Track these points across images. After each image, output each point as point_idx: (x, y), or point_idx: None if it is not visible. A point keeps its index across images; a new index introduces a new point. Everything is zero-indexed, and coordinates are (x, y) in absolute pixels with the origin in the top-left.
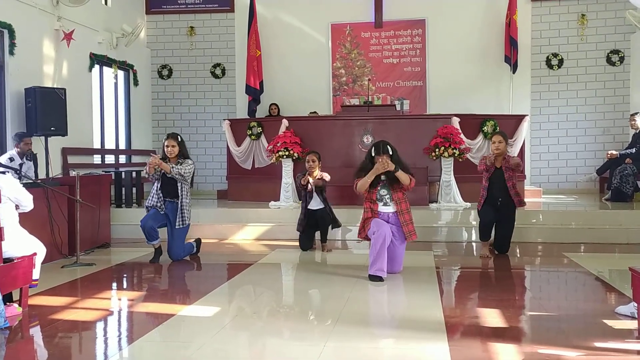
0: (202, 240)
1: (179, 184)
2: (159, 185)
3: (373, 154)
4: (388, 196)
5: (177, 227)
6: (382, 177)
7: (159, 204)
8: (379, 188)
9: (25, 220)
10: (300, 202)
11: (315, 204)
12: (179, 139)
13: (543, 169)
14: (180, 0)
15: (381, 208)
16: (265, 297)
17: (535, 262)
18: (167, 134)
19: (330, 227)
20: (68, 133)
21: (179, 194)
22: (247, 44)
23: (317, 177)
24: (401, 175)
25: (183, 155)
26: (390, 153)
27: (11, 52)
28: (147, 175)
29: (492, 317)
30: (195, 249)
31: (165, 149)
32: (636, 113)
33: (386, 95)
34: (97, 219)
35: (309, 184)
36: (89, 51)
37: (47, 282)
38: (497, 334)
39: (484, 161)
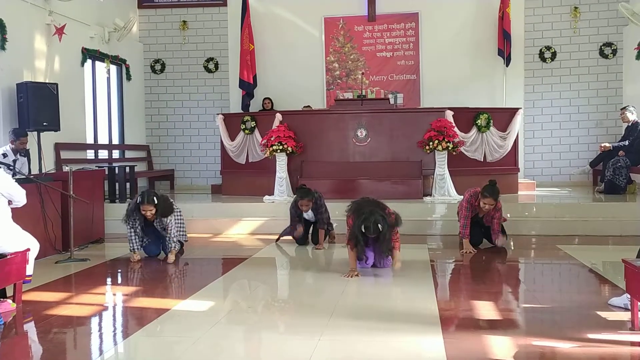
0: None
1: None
2: (136, 232)
3: (363, 230)
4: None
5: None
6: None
7: (141, 245)
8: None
9: (19, 215)
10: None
11: (308, 217)
12: (156, 201)
13: (536, 162)
14: None
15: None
16: (260, 291)
17: (529, 255)
18: (141, 195)
19: (326, 236)
20: (61, 128)
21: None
22: (240, 38)
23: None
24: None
25: (163, 214)
26: (381, 231)
27: (2, 47)
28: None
29: (486, 310)
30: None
31: (143, 213)
32: (626, 107)
33: (380, 88)
34: (90, 215)
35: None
36: (81, 46)
37: (40, 277)
38: (492, 327)
39: (470, 206)
